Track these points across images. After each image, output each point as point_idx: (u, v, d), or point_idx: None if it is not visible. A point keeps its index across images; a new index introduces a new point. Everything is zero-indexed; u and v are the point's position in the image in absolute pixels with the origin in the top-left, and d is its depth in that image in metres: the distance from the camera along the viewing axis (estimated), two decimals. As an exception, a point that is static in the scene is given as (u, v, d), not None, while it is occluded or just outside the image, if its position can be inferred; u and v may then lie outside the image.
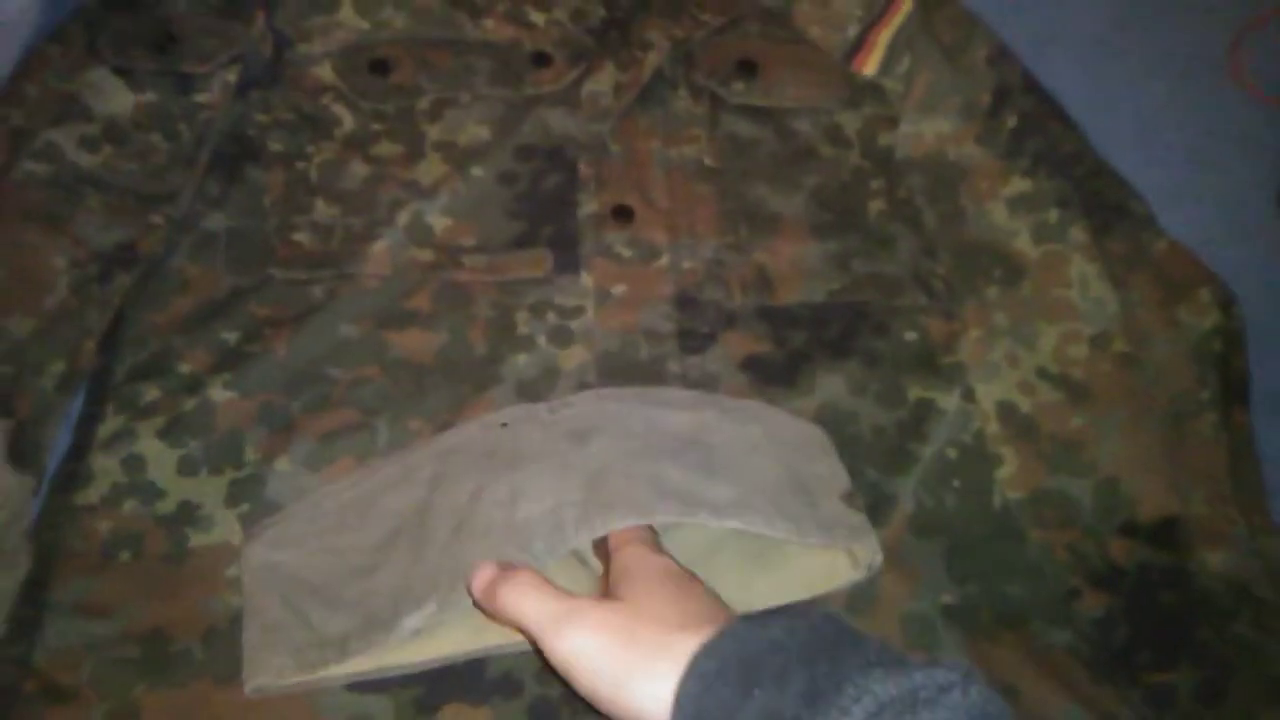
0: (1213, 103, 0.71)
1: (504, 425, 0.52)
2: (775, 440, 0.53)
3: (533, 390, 0.56)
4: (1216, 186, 0.69)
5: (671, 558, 0.43)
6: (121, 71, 0.60)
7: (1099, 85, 0.70)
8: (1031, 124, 0.66)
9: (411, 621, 0.46)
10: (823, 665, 0.32)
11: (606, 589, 0.42)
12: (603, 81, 0.66)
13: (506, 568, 0.42)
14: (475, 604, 0.44)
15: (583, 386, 0.56)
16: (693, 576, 0.41)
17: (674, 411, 0.53)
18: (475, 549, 0.46)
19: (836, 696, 0.31)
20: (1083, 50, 0.73)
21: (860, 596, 0.51)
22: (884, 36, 0.69)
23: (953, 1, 0.70)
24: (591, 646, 0.37)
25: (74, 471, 0.51)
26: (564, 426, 0.51)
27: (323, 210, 0.60)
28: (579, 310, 0.58)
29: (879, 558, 0.50)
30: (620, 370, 0.57)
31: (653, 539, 0.44)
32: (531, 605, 0.40)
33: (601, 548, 0.46)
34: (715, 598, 0.41)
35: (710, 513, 0.46)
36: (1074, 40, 0.73)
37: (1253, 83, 0.73)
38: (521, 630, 0.41)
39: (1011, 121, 0.66)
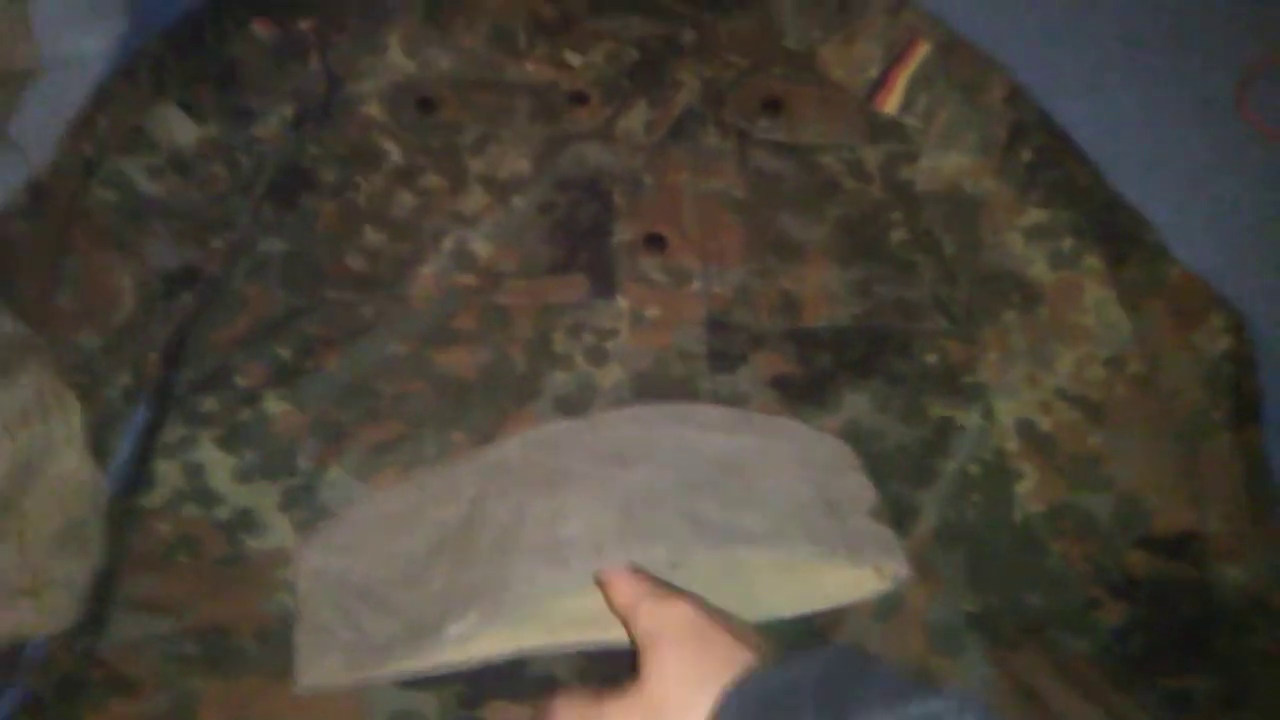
0: (1221, 137, 0.74)
1: (544, 444, 0.55)
2: (804, 458, 0.55)
3: (571, 406, 0.58)
4: (1226, 218, 0.71)
5: (687, 596, 0.43)
6: (186, 106, 0.64)
7: (1109, 121, 0.73)
8: (1046, 159, 0.68)
9: (455, 629, 0.48)
10: (833, 704, 0.35)
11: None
12: (636, 118, 0.69)
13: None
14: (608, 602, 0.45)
15: (619, 404, 0.58)
16: (711, 619, 0.41)
17: (709, 434, 0.55)
18: (516, 564, 0.48)
19: None
20: (1093, 87, 0.76)
21: (887, 605, 0.53)
22: (903, 77, 0.72)
23: (969, 44, 0.73)
24: None
25: (137, 476, 0.54)
26: (604, 449, 0.53)
27: (372, 236, 0.63)
28: (614, 332, 0.61)
29: (905, 571, 0.52)
30: (654, 388, 0.59)
31: (660, 585, 0.45)
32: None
33: (602, 585, 0.47)
34: (738, 633, 0.42)
35: (745, 544, 0.48)
36: (1085, 77, 0.76)
37: (1259, 118, 0.76)
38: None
39: (1027, 156, 0.68)
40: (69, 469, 0.47)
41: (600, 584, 0.46)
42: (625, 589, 0.44)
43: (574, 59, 0.72)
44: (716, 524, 0.49)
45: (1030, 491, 0.57)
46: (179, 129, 0.63)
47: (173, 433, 0.55)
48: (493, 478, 0.54)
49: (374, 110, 0.68)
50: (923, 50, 0.72)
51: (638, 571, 0.45)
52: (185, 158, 0.63)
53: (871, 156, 0.70)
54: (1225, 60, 0.77)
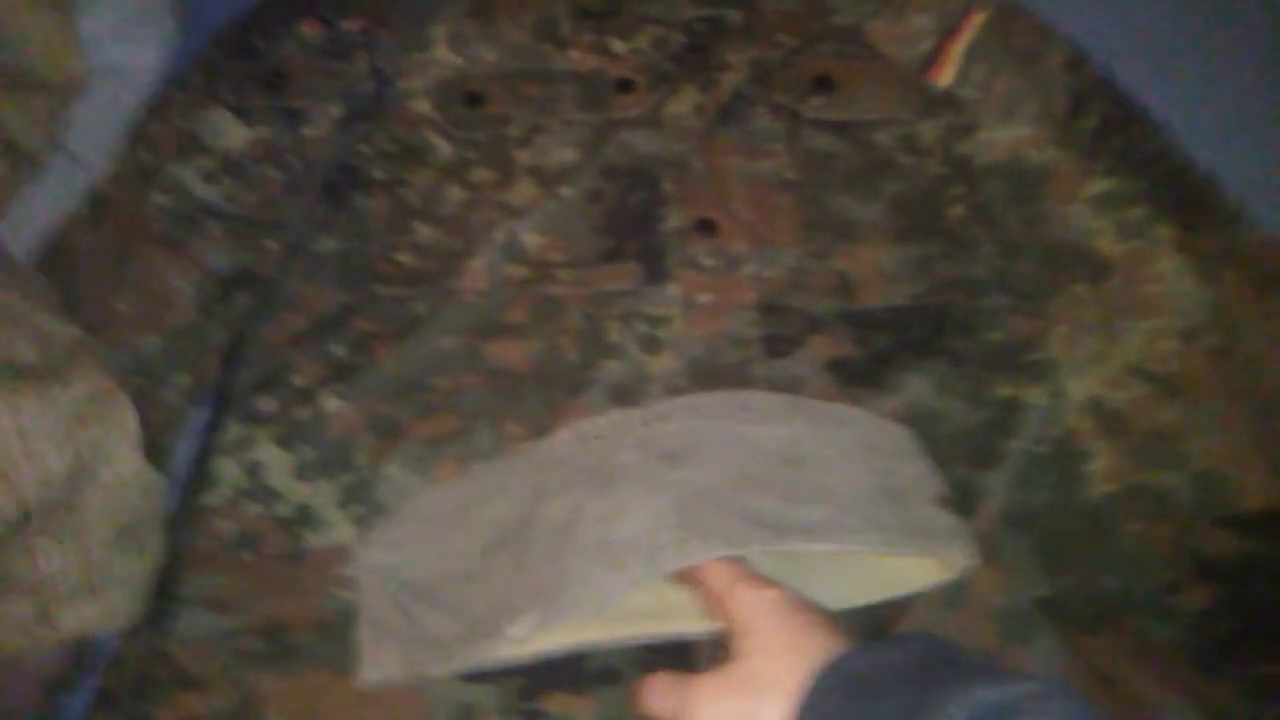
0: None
1: (599, 439, 0.54)
2: (866, 445, 0.54)
3: (624, 395, 0.58)
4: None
5: (779, 585, 0.43)
6: (237, 110, 0.65)
7: (1178, 85, 0.70)
8: (1111, 125, 0.66)
9: (514, 630, 0.47)
10: (930, 679, 0.35)
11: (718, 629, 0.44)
12: (684, 103, 0.68)
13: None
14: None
15: (673, 391, 0.58)
16: (803, 604, 0.42)
17: (765, 426, 0.54)
18: (574, 564, 0.48)
19: (944, 703, 0.33)
20: (1159, 51, 0.73)
21: (955, 593, 0.51)
22: (958, 48, 0.70)
23: (1026, 11, 0.71)
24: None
25: (199, 476, 0.55)
26: (657, 445, 0.53)
27: (423, 232, 0.63)
28: (667, 319, 0.60)
29: (973, 559, 0.50)
30: (708, 375, 0.58)
31: (751, 572, 0.45)
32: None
33: (689, 574, 0.46)
34: (827, 619, 0.42)
35: (803, 536, 0.47)
36: (1149, 42, 0.73)
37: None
38: None
39: (1091, 123, 0.66)
40: (126, 470, 0.48)
41: (687, 576, 0.45)
42: (720, 573, 0.44)
43: (619, 46, 0.71)
44: (775, 519, 0.48)
45: (1102, 471, 0.55)
46: (231, 132, 0.64)
47: (232, 432, 0.56)
48: (547, 474, 0.53)
49: (422, 107, 0.68)
50: (977, 20, 0.70)
51: (728, 560, 0.45)
52: (237, 161, 0.64)
53: (927, 131, 0.68)
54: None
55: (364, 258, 0.62)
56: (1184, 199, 0.63)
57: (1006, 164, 0.66)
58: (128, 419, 0.48)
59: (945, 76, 0.70)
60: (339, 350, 0.59)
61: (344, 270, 0.62)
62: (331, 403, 0.57)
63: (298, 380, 0.58)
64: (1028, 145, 0.66)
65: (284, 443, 0.56)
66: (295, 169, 0.64)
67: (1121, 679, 0.49)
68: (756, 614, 0.41)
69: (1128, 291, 0.60)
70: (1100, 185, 0.64)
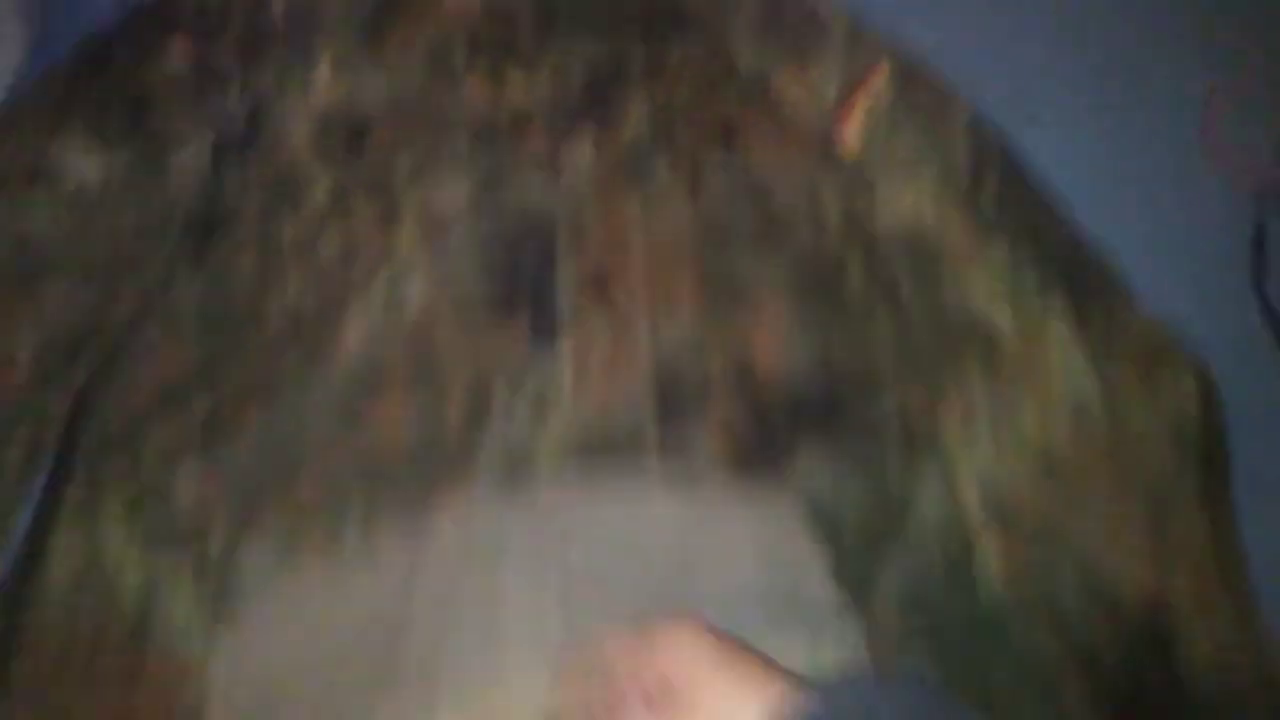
0: (1186, 182, 0.72)
1: (480, 516, 0.52)
2: (757, 542, 0.53)
3: (510, 465, 0.55)
4: (1191, 264, 0.69)
5: (682, 620, 0.41)
6: (94, 137, 0.59)
7: (1074, 161, 0.70)
8: (1008, 193, 0.66)
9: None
10: None
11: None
12: (582, 148, 0.66)
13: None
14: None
15: (561, 455, 0.55)
16: (725, 637, 0.40)
17: (653, 510, 0.52)
18: (452, 647, 0.45)
19: None
20: (1059, 126, 0.73)
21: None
22: (861, 107, 0.69)
23: (929, 71, 0.70)
24: None
25: (34, 552, 0.50)
26: (544, 525, 0.50)
27: (296, 281, 0.59)
28: (557, 382, 0.58)
29: (862, 644, 0.49)
30: (598, 440, 0.56)
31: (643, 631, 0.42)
32: None
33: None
34: (752, 652, 0.40)
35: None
36: (1051, 115, 0.73)
37: (1222, 150, 0.74)
38: None
39: (989, 189, 0.66)
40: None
41: (578, 669, 0.43)
42: (614, 647, 0.41)
43: (517, 78, 0.68)
44: (661, 599, 0.46)
45: (993, 558, 0.55)
46: (85, 161, 0.59)
47: (74, 498, 0.51)
48: (425, 551, 0.50)
49: (302, 138, 0.64)
50: (881, 78, 0.69)
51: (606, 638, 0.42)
52: (91, 195, 0.58)
53: (829, 189, 0.67)
54: (1190, 94, 0.75)
55: (231, 308, 0.58)
56: (1075, 273, 0.64)
57: (905, 230, 0.65)
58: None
59: (850, 137, 0.69)
60: (199, 411, 0.54)
61: (208, 321, 0.57)
62: (187, 469, 0.52)
63: (150, 444, 0.53)
64: (927, 209, 0.66)
65: (132, 511, 0.51)
66: (155, 206, 0.59)
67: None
68: (688, 662, 0.38)
69: (1020, 366, 0.60)
70: (996, 255, 0.63)
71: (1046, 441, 0.58)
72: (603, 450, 0.56)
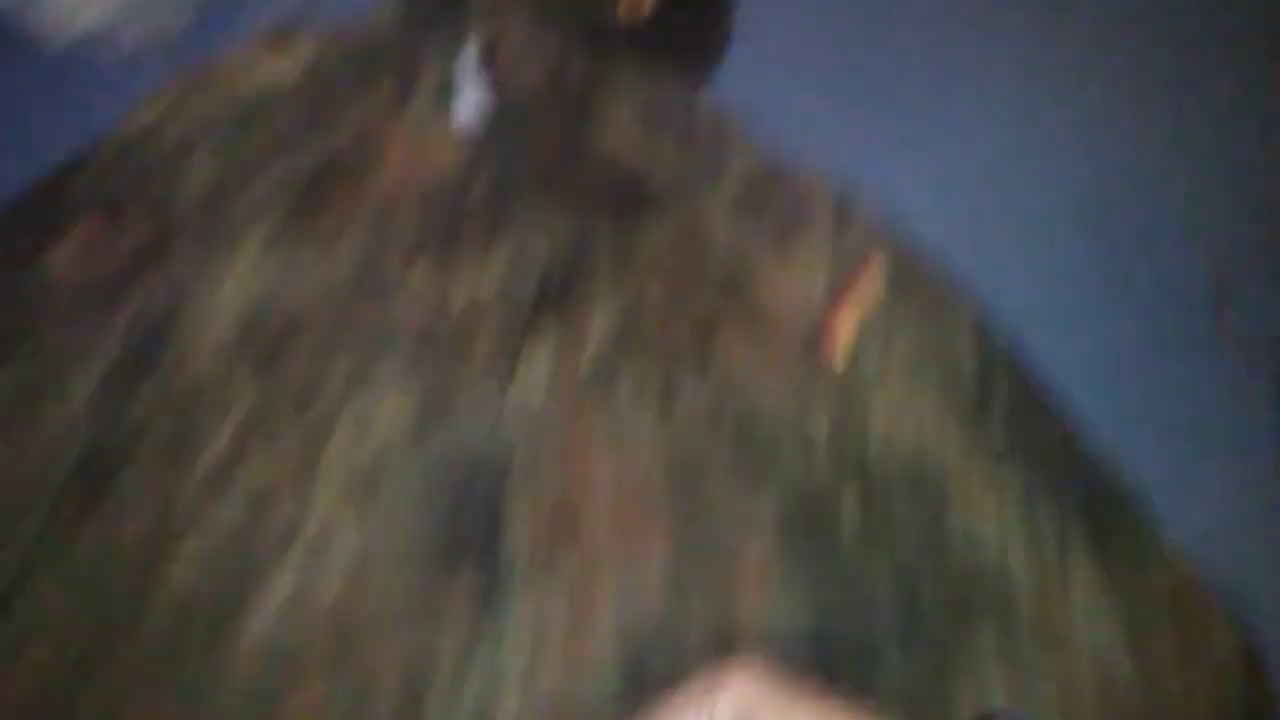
0: (1205, 376, 0.65)
1: None
2: None
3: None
4: (1216, 471, 0.62)
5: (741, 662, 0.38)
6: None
7: (1085, 360, 0.64)
8: (1018, 406, 0.59)
9: None
10: None
11: None
12: (538, 369, 0.57)
13: None
14: None
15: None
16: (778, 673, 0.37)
17: None
18: None
19: None
20: (1068, 322, 0.66)
21: None
22: (851, 314, 0.62)
23: (926, 265, 0.64)
24: None
25: None
26: None
27: (193, 546, 0.50)
28: (511, 655, 0.49)
29: None
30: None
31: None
32: None
33: None
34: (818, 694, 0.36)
35: None
36: (1059, 312, 0.66)
37: (1236, 338, 0.67)
38: None
39: (998, 404, 0.59)
40: None
41: None
42: (682, 698, 0.37)
43: (468, 264, 0.60)
44: None
45: None
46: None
47: None
48: None
49: (213, 345, 0.55)
50: (873, 278, 0.62)
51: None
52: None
53: (817, 412, 0.59)
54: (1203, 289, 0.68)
55: (120, 579, 0.48)
56: (1093, 498, 0.57)
57: (905, 455, 0.58)
58: None
59: (839, 349, 0.61)
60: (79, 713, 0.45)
61: (91, 596, 0.48)
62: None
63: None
64: (929, 428, 0.58)
65: None
66: (33, 452, 0.50)
67: None
68: (753, 706, 0.36)
69: (1038, 625, 0.53)
70: (1006, 486, 0.56)
71: (1071, 711, 0.51)
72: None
